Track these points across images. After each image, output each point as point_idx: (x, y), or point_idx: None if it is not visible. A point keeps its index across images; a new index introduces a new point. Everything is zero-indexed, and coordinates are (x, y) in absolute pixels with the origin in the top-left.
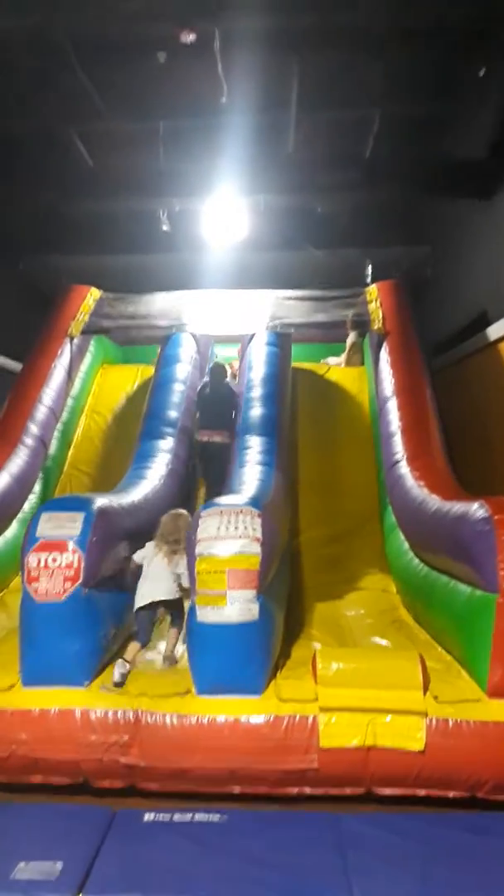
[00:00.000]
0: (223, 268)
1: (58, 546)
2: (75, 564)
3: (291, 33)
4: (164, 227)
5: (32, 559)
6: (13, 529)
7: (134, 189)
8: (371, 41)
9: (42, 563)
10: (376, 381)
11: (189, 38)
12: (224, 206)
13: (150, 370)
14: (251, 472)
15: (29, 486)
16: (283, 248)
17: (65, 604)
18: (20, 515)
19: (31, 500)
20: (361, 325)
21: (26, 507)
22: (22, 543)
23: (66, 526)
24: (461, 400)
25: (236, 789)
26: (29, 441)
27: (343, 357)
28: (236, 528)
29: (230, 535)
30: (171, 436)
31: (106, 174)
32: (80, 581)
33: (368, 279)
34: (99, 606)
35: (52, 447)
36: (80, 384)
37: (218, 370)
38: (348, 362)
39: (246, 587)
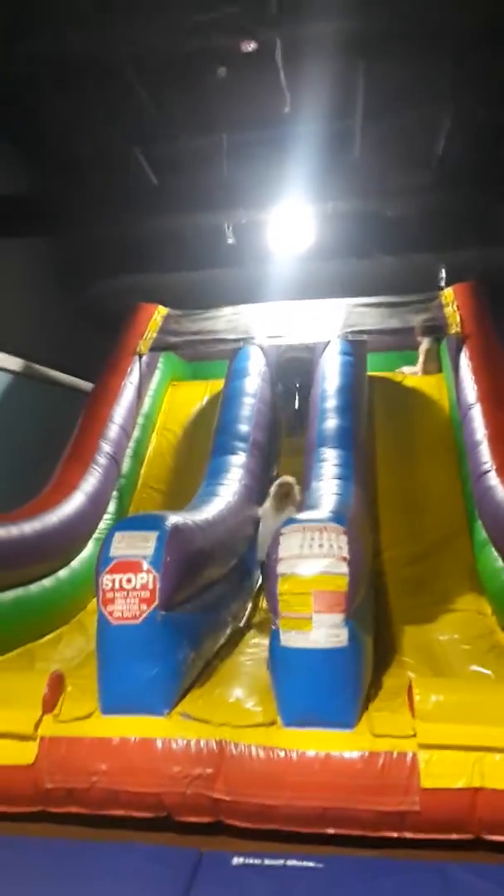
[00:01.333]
0: (290, 279)
1: (132, 566)
2: (150, 585)
3: (355, 38)
4: (230, 240)
5: (107, 580)
6: (89, 549)
7: (198, 204)
8: (438, 44)
9: (117, 585)
10: (457, 388)
11: (250, 47)
12: (290, 215)
13: (219, 385)
14: (328, 486)
15: (103, 505)
16: (352, 256)
17: (141, 627)
18: (96, 535)
19: (106, 519)
20: (435, 329)
21: (101, 525)
22: (96, 564)
23: (139, 546)
24: None
25: (329, 830)
26: (102, 460)
27: (419, 365)
28: (321, 546)
29: (314, 553)
30: (243, 451)
31: (170, 191)
32: (156, 603)
33: (442, 283)
34: (177, 630)
35: (125, 465)
36: (150, 401)
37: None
38: (424, 370)
39: (333, 611)
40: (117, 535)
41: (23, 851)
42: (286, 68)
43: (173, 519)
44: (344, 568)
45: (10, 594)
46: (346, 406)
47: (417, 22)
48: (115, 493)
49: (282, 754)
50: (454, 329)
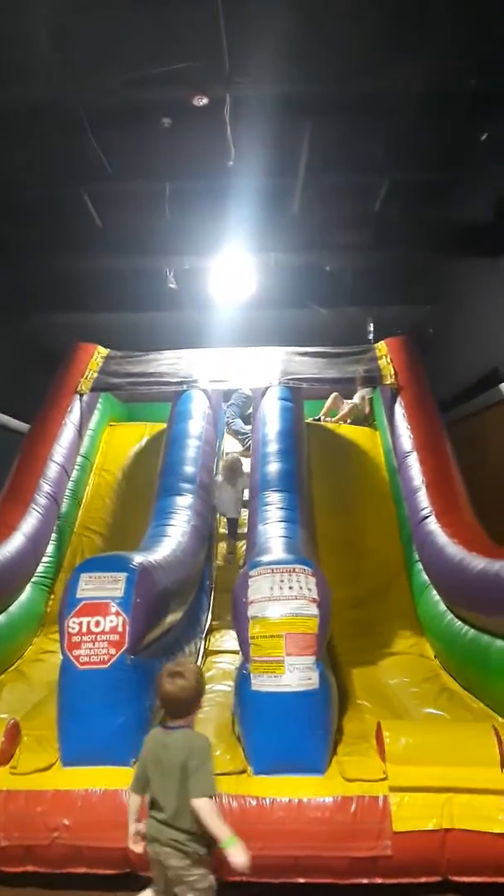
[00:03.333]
0: (230, 325)
1: (100, 609)
2: (119, 628)
3: (301, 101)
4: (171, 285)
5: (73, 623)
6: (27, 593)
7: (141, 248)
8: (377, 109)
9: (84, 628)
10: (393, 436)
11: (202, 101)
12: (230, 264)
13: (158, 427)
14: (275, 529)
15: (43, 546)
16: (289, 307)
17: (109, 671)
18: (35, 578)
19: (45, 562)
20: (370, 380)
21: (40, 568)
22: (59, 607)
23: (107, 587)
24: (471, 456)
25: (299, 880)
26: (42, 500)
27: (341, 412)
28: (290, 587)
29: (284, 595)
30: (190, 492)
31: (114, 233)
32: (125, 647)
33: (371, 336)
34: (144, 675)
35: (63, 506)
36: (89, 441)
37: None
38: (354, 417)
39: (304, 653)
40: (84, 577)
41: None
42: (233, 123)
43: (139, 559)
44: (314, 609)
45: None
46: (288, 450)
47: (358, 88)
48: (53, 535)
49: (253, 802)
50: (388, 380)
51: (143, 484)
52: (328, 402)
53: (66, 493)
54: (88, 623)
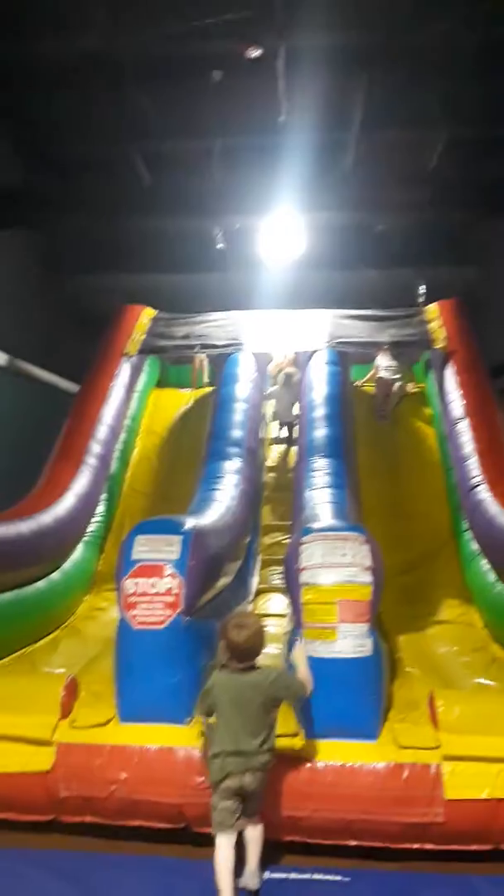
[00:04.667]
0: (278, 287)
1: (156, 570)
2: (175, 590)
3: (358, 51)
4: (220, 246)
5: (129, 584)
6: (79, 551)
7: (188, 207)
8: (436, 61)
9: (140, 589)
10: (443, 402)
11: (255, 53)
12: (280, 223)
13: (203, 390)
14: (322, 495)
15: (94, 505)
16: (338, 268)
17: (164, 632)
18: (85, 537)
19: (96, 521)
20: (420, 344)
21: (90, 528)
22: (116, 567)
23: (163, 549)
24: None
25: (352, 842)
26: (92, 461)
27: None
28: (343, 555)
29: (337, 562)
30: (238, 456)
31: (162, 193)
32: (180, 608)
33: (422, 299)
34: (198, 636)
35: (112, 467)
36: (136, 404)
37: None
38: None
39: (358, 620)
40: (139, 539)
41: (33, 865)
42: (286, 77)
43: (193, 522)
44: (368, 577)
45: (6, 596)
46: (335, 415)
47: (417, 39)
48: (103, 495)
49: (306, 765)
50: (440, 344)
51: (188, 447)
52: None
53: (115, 454)
54: (144, 584)
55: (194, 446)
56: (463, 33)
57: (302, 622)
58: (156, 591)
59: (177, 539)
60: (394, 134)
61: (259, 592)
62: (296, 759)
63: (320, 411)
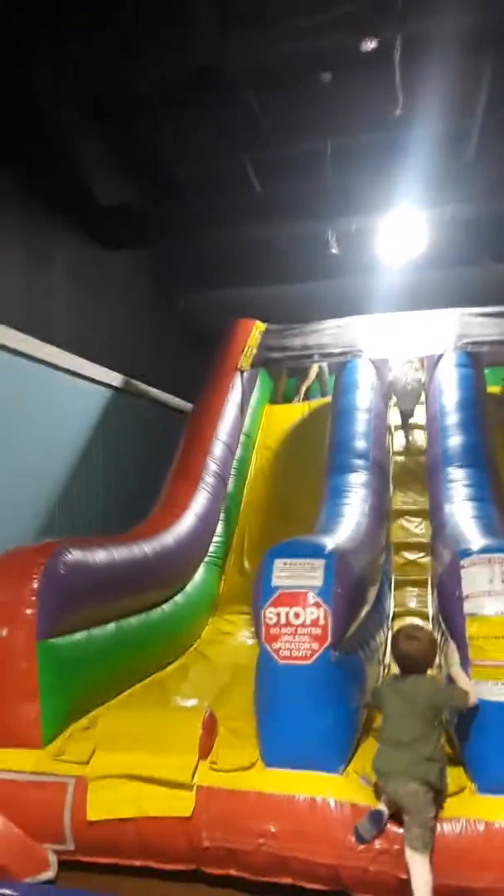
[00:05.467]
0: (395, 289)
1: (298, 599)
2: (321, 621)
3: (481, 31)
4: (333, 251)
5: (270, 614)
6: (200, 573)
7: (301, 212)
8: None
9: (283, 619)
10: None
11: (370, 45)
12: (399, 221)
13: (317, 403)
14: (464, 509)
15: (213, 525)
16: (461, 264)
17: (312, 668)
18: (207, 558)
19: (216, 541)
20: None
21: (211, 548)
22: (253, 594)
23: (305, 575)
24: None
25: None
26: (210, 479)
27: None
28: None
29: None
30: (364, 468)
31: (272, 199)
32: (328, 641)
33: None
34: (347, 672)
35: (229, 485)
36: (250, 419)
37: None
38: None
39: None
40: (278, 563)
41: None
42: (402, 67)
43: (334, 543)
44: None
45: (132, 621)
46: (471, 421)
47: None
48: (221, 514)
49: (480, 827)
50: None
51: (305, 461)
52: None
53: (231, 472)
54: (287, 614)
55: (309, 461)
56: None
57: (469, 660)
58: (301, 622)
59: (320, 563)
60: None
61: (395, 616)
62: (465, 819)
63: (453, 417)
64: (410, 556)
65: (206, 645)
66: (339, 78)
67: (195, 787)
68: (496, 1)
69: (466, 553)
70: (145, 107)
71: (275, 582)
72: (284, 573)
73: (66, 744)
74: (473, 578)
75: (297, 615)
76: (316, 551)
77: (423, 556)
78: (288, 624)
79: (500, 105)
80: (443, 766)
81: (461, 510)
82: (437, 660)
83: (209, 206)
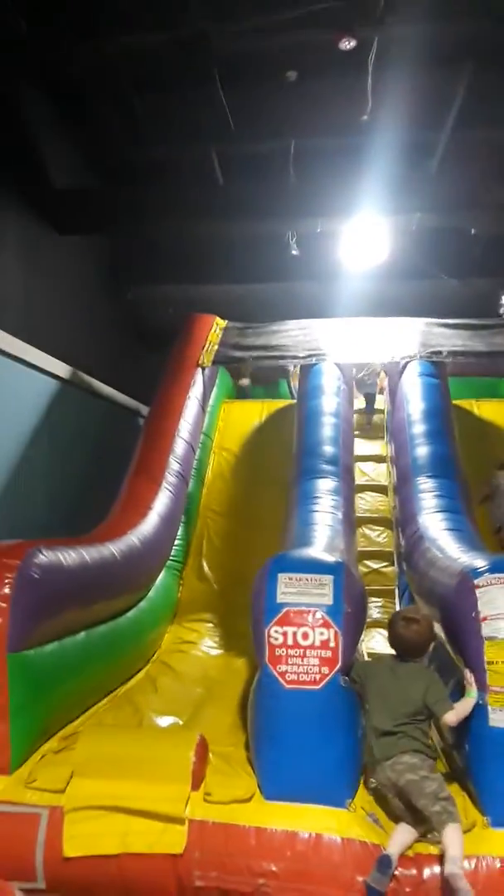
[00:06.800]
0: (354, 297)
1: (306, 618)
2: (332, 643)
3: (459, 41)
4: (293, 252)
5: (275, 633)
6: (161, 577)
7: (261, 211)
8: None
9: (289, 640)
10: None
11: (349, 45)
12: (358, 228)
13: (276, 404)
14: (436, 521)
15: (175, 527)
16: (419, 277)
17: (322, 694)
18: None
19: (176, 544)
20: None
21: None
22: (254, 611)
23: (313, 592)
24: None
25: None
26: (171, 478)
27: None
28: None
29: None
30: (334, 475)
31: (233, 196)
32: (338, 665)
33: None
34: (353, 699)
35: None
36: (209, 418)
37: None
38: None
39: None
40: (283, 578)
41: None
42: (376, 72)
43: (337, 557)
44: None
45: (103, 628)
46: (440, 431)
47: None
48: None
49: (497, 864)
50: None
51: (265, 464)
52: None
53: (192, 472)
54: (294, 634)
55: (273, 463)
56: None
57: (486, 685)
58: (309, 643)
59: (328, 579)
60: (488, 132)
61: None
62: (480, 856)
63: (420, 427)
64: (374, 565)
65: (169, 655)
66: (310, 78)
67: (187, 821)
68: (477, 15)
69: (477, 572)
70: (106, 86)
71: (280, 598)
72: (291, 589)
73: (37, 768)
74: (492, 600)
75: (305, 636)
76: (322, 566)
77: (386, 566)
78: (296, 645)
79: (471, 123)
80: (432, 751)
81: (434, 521)
82: (431, 645)
83: (168, 195)
